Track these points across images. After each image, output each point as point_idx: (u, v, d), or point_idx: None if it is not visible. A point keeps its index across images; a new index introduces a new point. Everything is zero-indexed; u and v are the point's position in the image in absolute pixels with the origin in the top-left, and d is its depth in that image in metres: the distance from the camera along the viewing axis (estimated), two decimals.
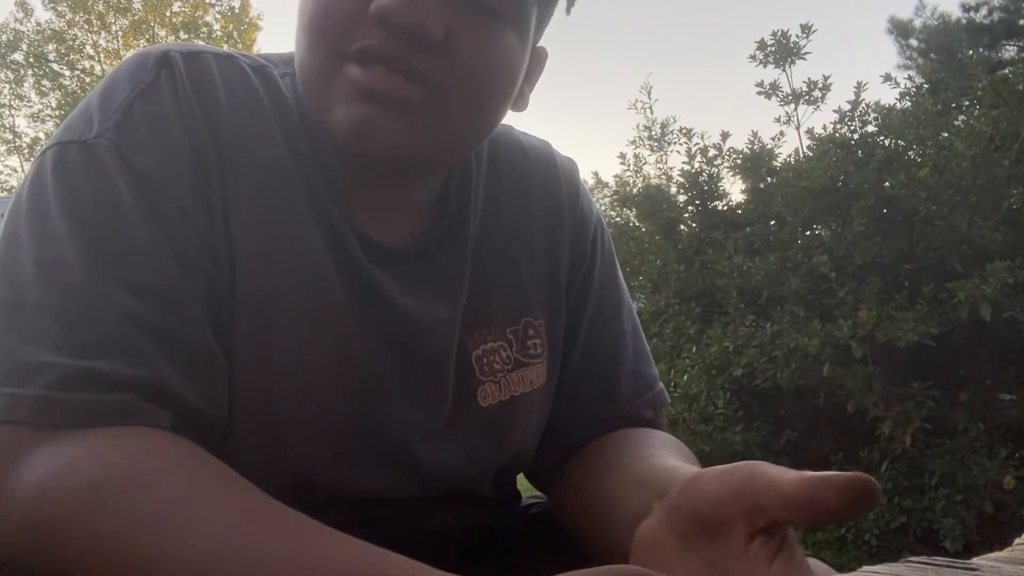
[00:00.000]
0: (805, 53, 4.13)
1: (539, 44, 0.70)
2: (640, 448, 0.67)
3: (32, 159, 0.61)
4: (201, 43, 0.62)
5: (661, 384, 0.81)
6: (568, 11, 0.77)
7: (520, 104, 0.69)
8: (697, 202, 4.42)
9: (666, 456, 0.63)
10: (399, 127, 0.57)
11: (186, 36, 17.88)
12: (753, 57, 4.18)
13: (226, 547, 0.43)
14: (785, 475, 0.42)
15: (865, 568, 0.77)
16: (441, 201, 0.70)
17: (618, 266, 0.83)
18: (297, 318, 0.60)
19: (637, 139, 5.15)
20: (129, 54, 0.62)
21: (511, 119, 0.71)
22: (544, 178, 0.77)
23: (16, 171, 18.86)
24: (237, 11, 18.81)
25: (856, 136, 3.89)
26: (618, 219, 5.50)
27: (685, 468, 0.56)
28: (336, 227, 0.62)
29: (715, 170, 4.39)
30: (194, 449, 0.51)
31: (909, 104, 4.09)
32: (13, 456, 0.48)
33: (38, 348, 0.49)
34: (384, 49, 0.56)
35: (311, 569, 0.43)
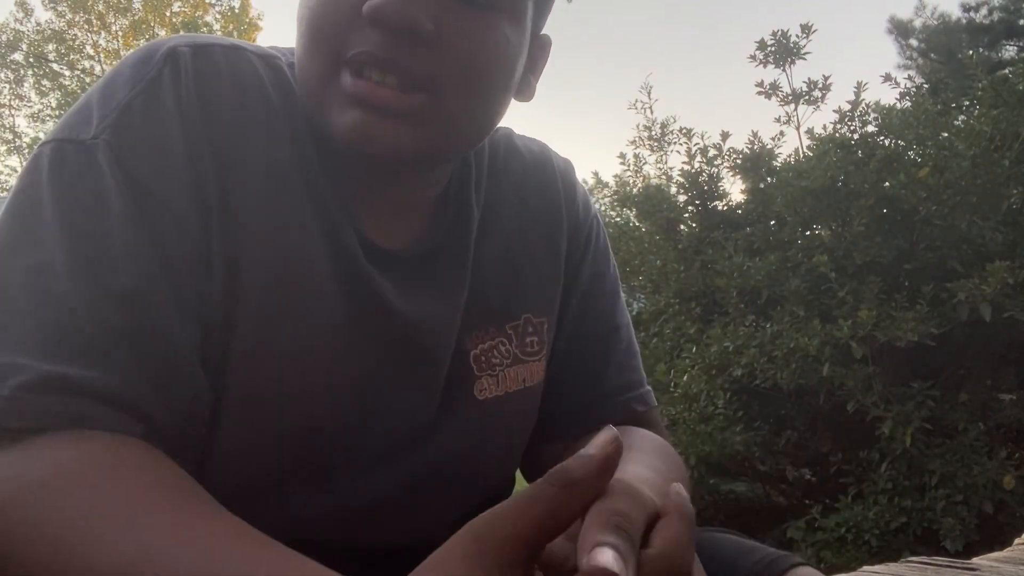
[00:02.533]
0: (805, 53, 4.13)
1: (543, 32, 0.70)
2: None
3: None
4: (211, 34, 0.61)
5: (649, 388, 0.81)
6: None
7: (526, 93, 0.70)
8: (697, 202, 4.42)
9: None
10: (397, 130, 0.58)
11: None
12: (753, 57, 4.18)
13: (144, 555, 0.43)
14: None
15: (865, 568, 0.77)
16: (442, 204, 0.71)
17: (613, 262, 0.84)
18: (293, 316, 0.60)
19: (637, 139, 5.13)
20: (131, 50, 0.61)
21: (518, 111, 0.71)
22: (541, 180, 0.78)
23: (16, 171, 18.86)
24: (237, 11, 18.80)
25: (856, 136, 3.88)
26: (618, 219, 5.51)
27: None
28: (337, 227, 0.62)
29: (715, 170, 4.39)
30: (153, 455, 0.50)
31: (909, 104, 4.09)
32: None
33: (16, 350, 0.50)
34: (378, 53, 0.56)
35: None
